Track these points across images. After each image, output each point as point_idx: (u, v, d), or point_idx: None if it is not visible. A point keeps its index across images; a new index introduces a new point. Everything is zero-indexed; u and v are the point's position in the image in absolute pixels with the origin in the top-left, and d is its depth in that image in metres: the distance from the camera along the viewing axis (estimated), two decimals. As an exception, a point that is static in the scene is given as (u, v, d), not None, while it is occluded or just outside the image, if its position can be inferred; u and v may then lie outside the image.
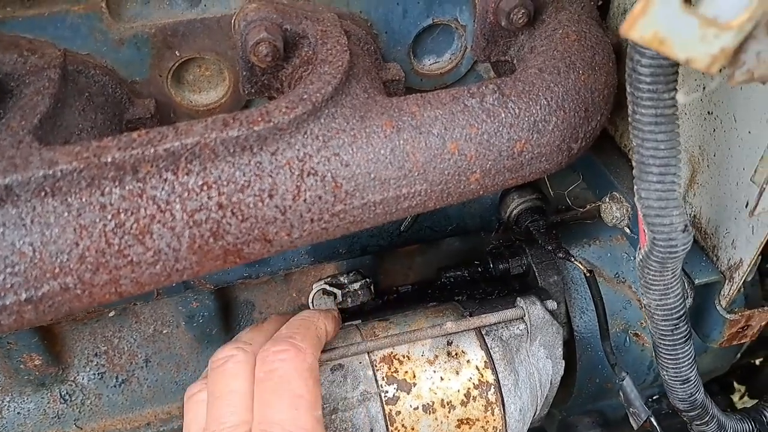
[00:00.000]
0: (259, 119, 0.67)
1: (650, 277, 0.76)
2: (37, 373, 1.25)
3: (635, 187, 0.70)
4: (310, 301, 1.18)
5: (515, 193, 1.10)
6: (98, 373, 1.30)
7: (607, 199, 1.00)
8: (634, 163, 0.69)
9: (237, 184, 0.67)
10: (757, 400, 1.18)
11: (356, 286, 1.20)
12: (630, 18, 0.43)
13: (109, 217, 0.64)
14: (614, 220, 1.00)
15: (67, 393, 1.29)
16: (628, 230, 0.99)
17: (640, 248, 0.77)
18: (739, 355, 1.38)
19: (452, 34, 0.91)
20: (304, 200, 0.69)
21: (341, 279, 1.21)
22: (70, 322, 1.25)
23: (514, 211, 1.10)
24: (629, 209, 0.98)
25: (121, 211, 0.64)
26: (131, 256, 0.65)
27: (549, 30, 0.85)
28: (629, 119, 0.68)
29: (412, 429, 0.92)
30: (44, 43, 0.75)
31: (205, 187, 0.66)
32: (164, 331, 1.32)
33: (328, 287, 1.17)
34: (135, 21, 0.77)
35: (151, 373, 1.32)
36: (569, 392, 1.18)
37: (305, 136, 0.69)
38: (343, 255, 1.15)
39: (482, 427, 0.94)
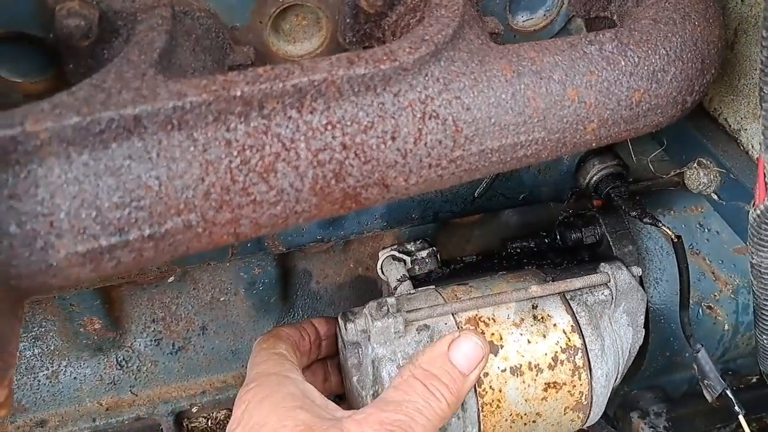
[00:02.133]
0: (384, 58, 0.65)
1: (765, 233, 0.74)
2: (95, 338, 1.23)
3: (764, 139, 0.69)
4: (379, 267, 1.16)
5: (596, 159, 1.09)
6: (155, 340, 1.28)
7: (695, 165, 0.98)
8: (762, 108, 0.68)
9: (360, 125, 0.65)
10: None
11: (424, 254, 1.18)
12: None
13: (235, 153, 0.62)
14: (701, 186, 0.98)
15: (123, 359, 1.28)
16: (715, 196, 0.97)
17: (754, 205, 0.75)
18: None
19: (549, -11, 0.89)
20: (425, 144, 0.67)
21: (408, 246, 1.19)
22: (129, 286, 1.24)
23: (594, 177, 1.08)
24: (717, 175, 0.96)
25: (246, 147, 0.62)
26: (255, 195, 0.63)
27: (655, -17, 0.83)
28: (759, 74, 0.66)
29: (500, 391, 0.90)
30: (151, -18, 0.73)
31: (329, 127, 0.64)
32: (222, 299, 1.30)
33: (397, 254, 1.15)
34: (241, -37, 0.76)
35: (208, 341, 1.31)
36: (639, 364, 1.17)
37: (427, 78, 0.68)
38: (416, 220, 1.14)
39: (569, 391, 0.93)
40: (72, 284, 0.63)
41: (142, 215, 0.60)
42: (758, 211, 0.74)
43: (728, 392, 1.06)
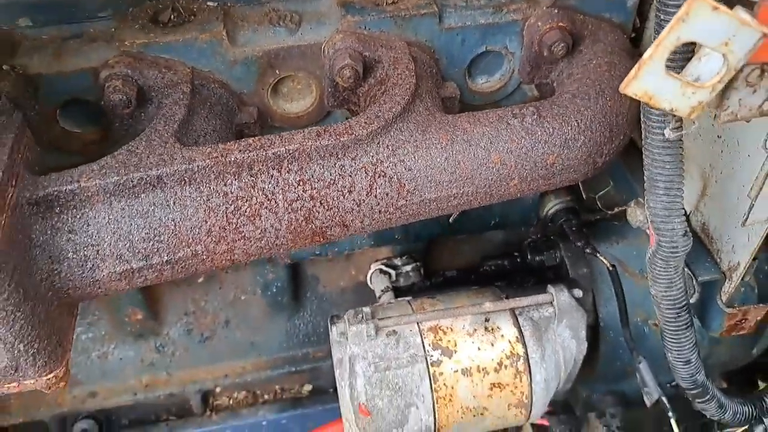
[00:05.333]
0: (344, 132, 0.86)
1: (656, 271, 0.91)
2: (138, 326, 1.49)
3: (645, 197, 0.86)
4: (368, 278, 1.37)
5: (552, 194, 1.26)
6: (187, 330, 1.53)
7: (633, 204, 1.15)
8: (645, 178, 0.85)
9: (325, 182, 0.86)
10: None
11: (408, 268, 1.38)
12: (626, 80, 0.59)
13: (230, 202, 0.84)
14: (638, 223, 1.15)
15: (161, 344, 1.53)
16: (650, 232, 1.14)
17: (649, 247, 0.92)
18: (755, 350, 1.50)
19: (502, 58, 1.07)
20: (375, 196, 0.88)
21: (396, 261, 1.40)
22: (167, 284, 1.48)
23: (551, 211, 1.26)
24: (651, 214, 1.13)
25: (238, 198, 0.84)
26: (244, 233, 0.85)
27: (585, 60, 1.00)
28: (642, 142, 0.83)
29: (452, 388, 1.10)
30: (177, 62, 0.96)
31: (301, 183, 0.85)
32: (242, 298, 1.54)
33: (384, 267, 1.36)
34: (246, 46, 0.97)
35: (230, 333, 1.55)
36: (593, 371, 1.34)
37: (378, 146, 0.88)
38: (399, 240, 1.34)
39: (511, 391, 1.12)
40: (111, 294, 0.86)
41: (161, 246, 0.83)
42: (649, 254, 0.91)
43: (663, 398, 1.22)
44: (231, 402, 1.60)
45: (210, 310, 1.53)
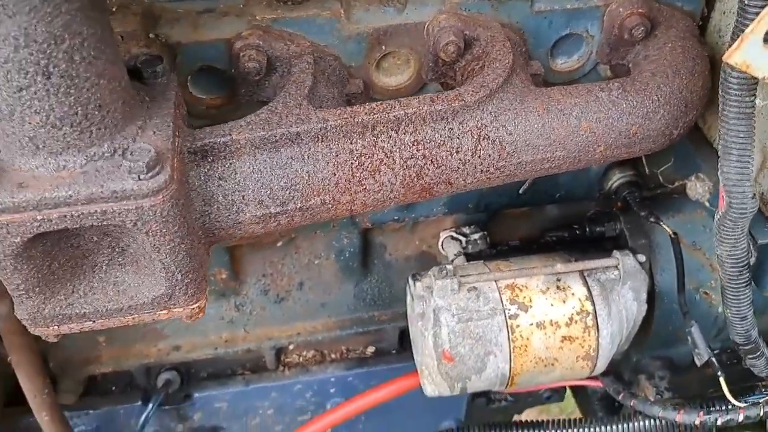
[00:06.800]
0: (455, 99, 0.98)
1: (724, 232, 1.02)
2: (221, 285, 1.61)
3: (719, 163, 0.97)
4: (440, 244, 1.49)
5: (617, 169, 1.37)
6: (264, 290, 1.66)
7: (693, 178, 1.26)
8: (719, 146, 0.96)
9: (436, 142, 0.98)
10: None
11: (476, 236, 1.50)
12: (729, 50, 0.70)
13: (355, 158, 0.96)
14: (697, 196, 1.26)
15: (240, 303, 1.65)
16: (707, 204, 1.25)
17: (718, 210, 1.03)
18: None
19: (582, 41, 1.18)
20: (479, 156, 1.00)
21: (464, 230, 1.51)
22: (248, 247, 1.60)
23: (615, 183, 1.37)
24: (710, 187, 1.24)
25: (362, 155, 0.96)
26: (365, 185, 0.97)
27: (660, 43, 1.11)
28: (719, 114, 0.95)
29: (527, 339, 1.22)
30: (299, 36, 1.08)
31: (415, 143, 0.97)
32: (316, 262, 1.66)
33: (455, 234, 1.47)
34: (360, 23, 1.09)
35: (303, 295, 1.67)
36: (647, 335, 1.45)
37: (483, 112, 1.00)
38: (471, 209, 1.45)
39: (580, 344, 1.23)
40: (247, 236, 0.98)
41: (296, 194, 0.95)
42: (719, 215, 1.02)
43: (713, 359, 1.33)
44: (300, 359, 1.72)
45: (286, 273, 1.65)
